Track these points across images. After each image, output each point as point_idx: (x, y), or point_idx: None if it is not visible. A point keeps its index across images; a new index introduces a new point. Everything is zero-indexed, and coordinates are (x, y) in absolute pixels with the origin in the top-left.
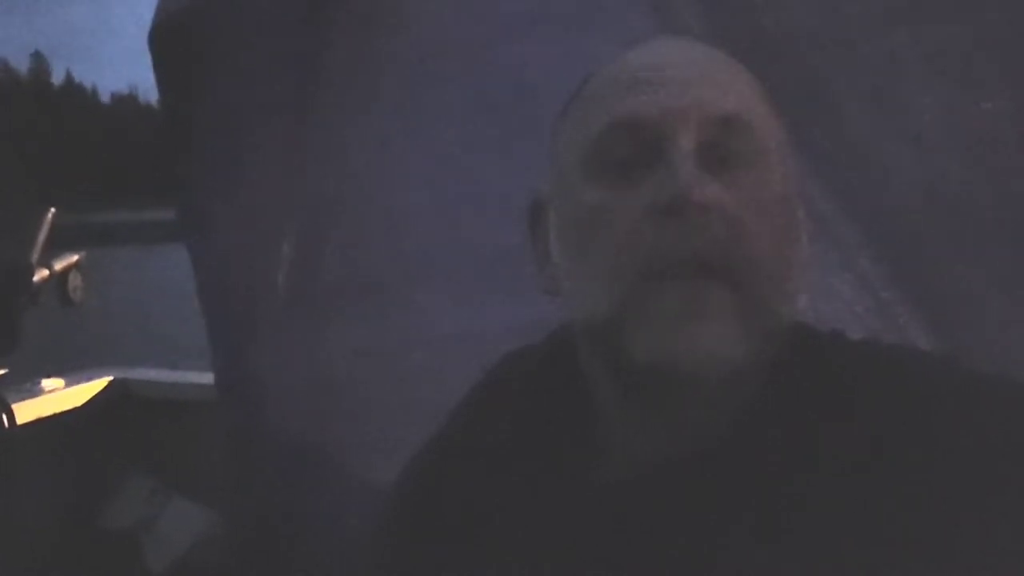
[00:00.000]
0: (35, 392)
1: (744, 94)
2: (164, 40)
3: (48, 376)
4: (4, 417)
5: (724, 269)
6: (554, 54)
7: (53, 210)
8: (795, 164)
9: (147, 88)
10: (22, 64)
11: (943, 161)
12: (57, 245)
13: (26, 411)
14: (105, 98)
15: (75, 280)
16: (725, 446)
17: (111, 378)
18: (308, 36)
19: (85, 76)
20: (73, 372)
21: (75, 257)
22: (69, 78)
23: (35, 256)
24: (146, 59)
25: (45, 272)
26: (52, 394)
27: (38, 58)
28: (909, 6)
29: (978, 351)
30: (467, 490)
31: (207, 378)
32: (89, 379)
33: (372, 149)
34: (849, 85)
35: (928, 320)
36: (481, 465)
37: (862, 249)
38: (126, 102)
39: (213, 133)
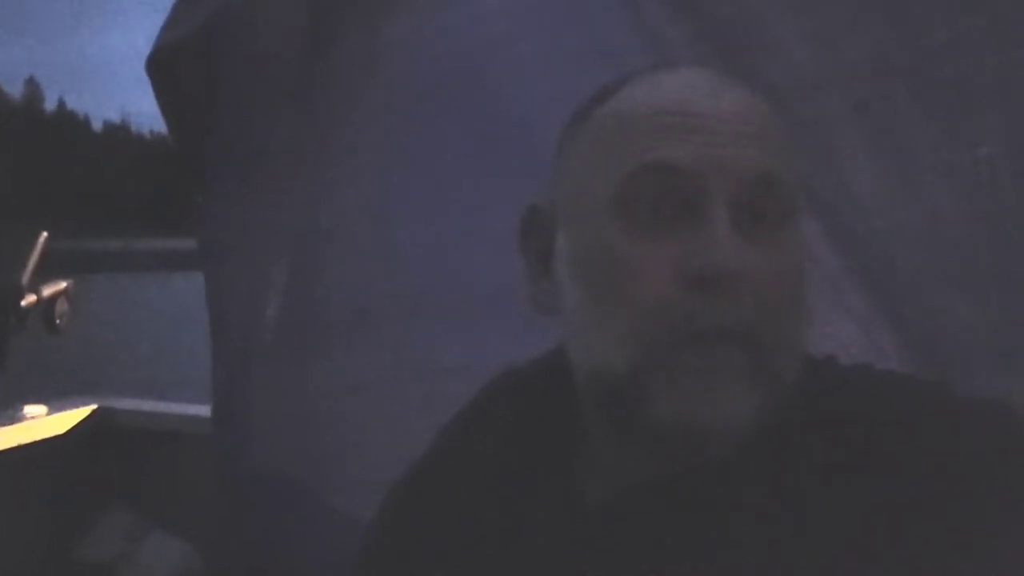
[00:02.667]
0: (17, 418)
1: (779, 146)
2: (161, 67)
3: (31, 403)
4: None
5: (747, 336)
6: (554, 90)
7: (45, 234)
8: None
9: (140, 118)
10: (15, 90)
11: (938, 203)
12: (45, 271)
13: (7, 437)
14: (97, 127)
15: (62, 307)
16: (719, 467)
17: (95, 406)
18: (310, 68)
19: (78, 104)
20: (57, 399)
21: (63, 284)
22: (62, 106)
23: (26, 279)
24: (139, 89)
25: (33, 297)
26: (34, 421)
27: (31, 85)
28: (906, 52)
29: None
30: (455, 511)
31: (192, 409)
32: (73, 407)
33: (369, 181)
34: (845, 128)
35: (920, 360)
36: (469, 485)
37: (856, 289)
38: (118, 131)
39: (220, 161)
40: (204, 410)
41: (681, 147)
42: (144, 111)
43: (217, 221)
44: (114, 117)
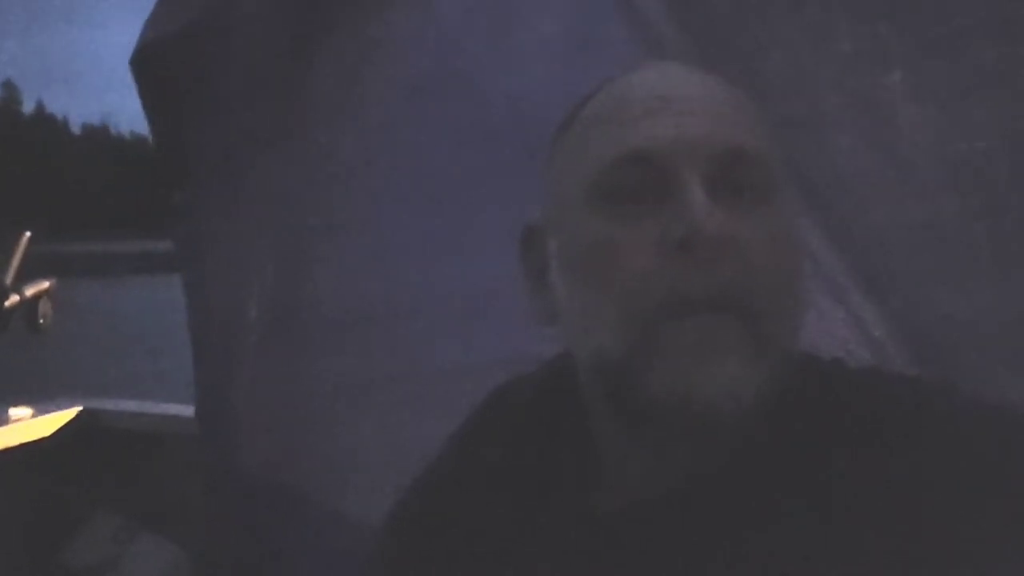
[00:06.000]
0: (1, 421)
1: (752, 127)
2: (146, 65)
3: (15, 405)
4: None
5: (737, 303)
6: (550, 86)
7: (28, 234)
8: (793, 200)
9: (119, 119)
10: None
11: (936, 199)
12: (27, 272)
13: None
14: (76, 128)
15: (44, 307)
16: (728, 474)
17: (80, 408)
18: (297, 64)
19: (56, 106)
20: (42, 402)
21: (46, 284)
22: (40, 107)
23: (8, 280)
24: (118, 89)
25: (16, 298)
26: (19, 423)
27: (9, 87)
28: (903, 46)
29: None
30: (465, 523)
31: (178, 411)
32: (58, 409)
33: (361, 178)
34: (842, 123)
35: (919, 357)
36: (479, 496)
37: (854, 287)
38: (97, 133)
39: (202, 161)
40: (190, 411)
41: (651, 133)
42: (124, 112)
43: (200, 220)
44: (94, 119)
